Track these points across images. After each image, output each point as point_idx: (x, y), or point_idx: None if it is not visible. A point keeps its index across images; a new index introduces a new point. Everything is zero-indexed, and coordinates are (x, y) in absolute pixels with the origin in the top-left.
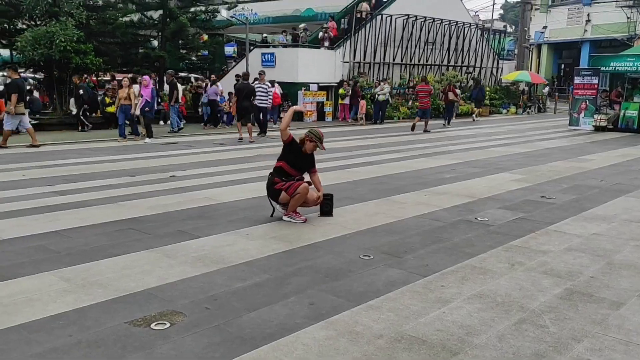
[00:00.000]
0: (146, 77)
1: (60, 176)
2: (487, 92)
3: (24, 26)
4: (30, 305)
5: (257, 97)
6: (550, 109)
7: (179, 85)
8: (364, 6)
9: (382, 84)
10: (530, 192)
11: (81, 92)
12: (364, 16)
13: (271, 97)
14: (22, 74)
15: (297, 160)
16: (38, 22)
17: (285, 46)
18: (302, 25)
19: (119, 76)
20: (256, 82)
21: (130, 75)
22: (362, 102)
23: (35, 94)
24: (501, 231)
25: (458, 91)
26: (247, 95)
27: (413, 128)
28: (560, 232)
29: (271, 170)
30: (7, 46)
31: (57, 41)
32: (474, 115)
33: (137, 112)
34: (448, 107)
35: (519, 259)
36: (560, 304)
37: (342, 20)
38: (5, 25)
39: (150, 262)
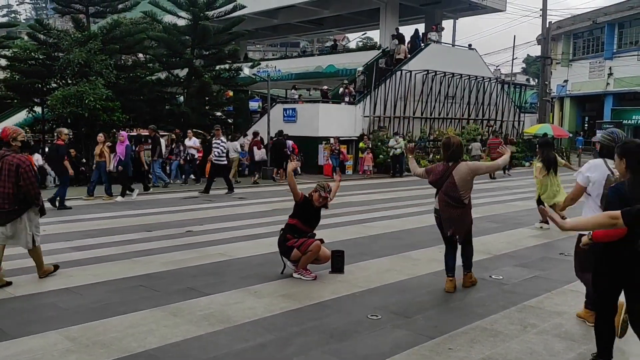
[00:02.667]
0: (123, 132)
1: (80, 231)
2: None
3: (55, 85)
4: None
5: (214, 155)
6: (575, 161)
7: (162, 140)
8: (402, 48)
9: (396, 137)
10: (548, 249)
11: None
12: (402, 57)
13: (225, 153)
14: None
15: (310, 216)
16: (69, 81)
17: (306, 101)
18: (360, 69)
19: (144, 132)
20: (212, 138)
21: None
22: (369, 156)
23: None
24: (515, 290)
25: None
26: (279, 148)
27: (494, 176)
28: (577, 291)
29: (283, 227)
30: (39, 104)
31: (87, 100)
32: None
33: (111, 167)
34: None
35: (532, 320)
36: None
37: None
38: (38, 84)
39: (155, 320)
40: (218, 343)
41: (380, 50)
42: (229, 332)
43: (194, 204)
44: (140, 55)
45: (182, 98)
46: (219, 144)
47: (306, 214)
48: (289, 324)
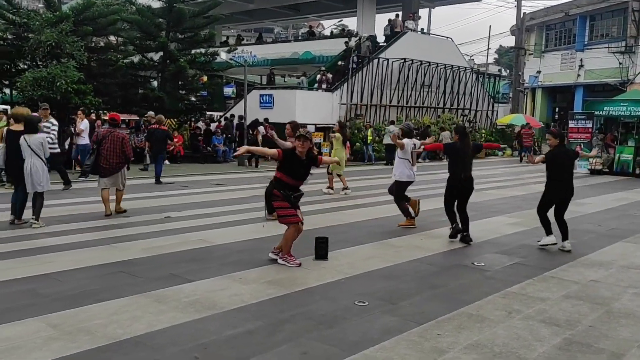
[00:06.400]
0: None
1: (55, 217)
2: (483, 134)
3: (25, 66)
4: (13, 353)
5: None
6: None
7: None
8: (398, 22)
9: (391, 126)
10: (526, 237)
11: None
12: (399, 30)
13: (56, 138)
14: None
15: (295, 168)
16: (39, 63)
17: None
18: (365, 35)
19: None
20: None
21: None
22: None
23: None
24: (498, 277)
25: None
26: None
27: (521, 160)
28: (557, 278)
29: (271, 179)
30: (7, 85)
31: (59, 83)
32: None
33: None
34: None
35: (517, 306)
36: (559, 355)
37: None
38: (6, 65)
39: (140, 307)
40: (206, 329)
41: (358, 38)
42: (217, 319)
43: (172, 189)
44: (113, 37)
45: (156, 82)
46: (49, 127)
47: (290, 165)
48: (276, 310)
